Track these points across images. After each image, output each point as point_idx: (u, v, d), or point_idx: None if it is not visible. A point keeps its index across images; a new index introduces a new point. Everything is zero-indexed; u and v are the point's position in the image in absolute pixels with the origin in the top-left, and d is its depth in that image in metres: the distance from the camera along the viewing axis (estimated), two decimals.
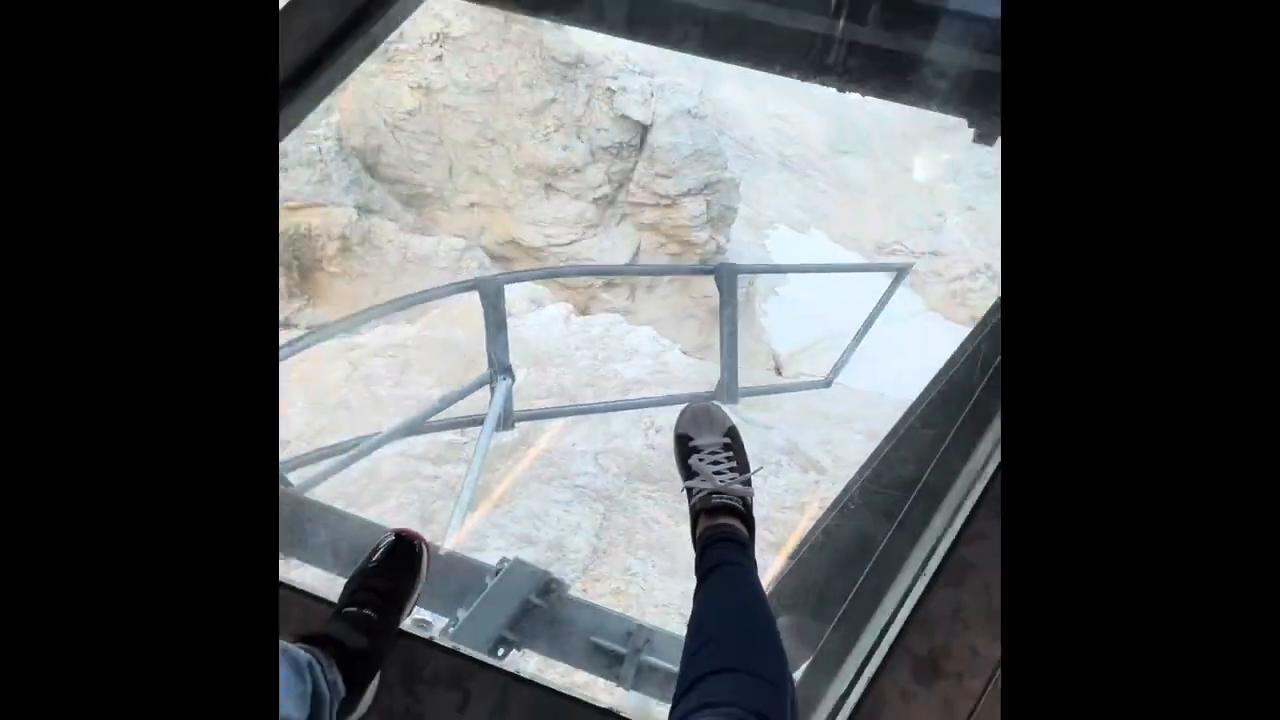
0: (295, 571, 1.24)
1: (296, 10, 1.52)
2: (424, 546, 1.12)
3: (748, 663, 0.79)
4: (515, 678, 1.08)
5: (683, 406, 1.18)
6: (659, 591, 5.81)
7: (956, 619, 1.08)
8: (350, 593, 1.05)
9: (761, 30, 1.61)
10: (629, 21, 1.68)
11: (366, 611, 1.02)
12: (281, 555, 2.18)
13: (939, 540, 1.17)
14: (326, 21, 1.56)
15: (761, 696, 0.74)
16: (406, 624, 1.12)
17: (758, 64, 1.70)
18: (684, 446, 1.14)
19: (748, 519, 1.06)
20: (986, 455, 1.25)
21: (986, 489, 1.15)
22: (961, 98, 1.64)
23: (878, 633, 1.15)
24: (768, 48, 1.62)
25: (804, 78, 1.63)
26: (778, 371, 8.03)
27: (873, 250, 8.35)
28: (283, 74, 1.43)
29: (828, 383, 5.31)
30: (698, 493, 1.07)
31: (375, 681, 1.03)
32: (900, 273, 4.95)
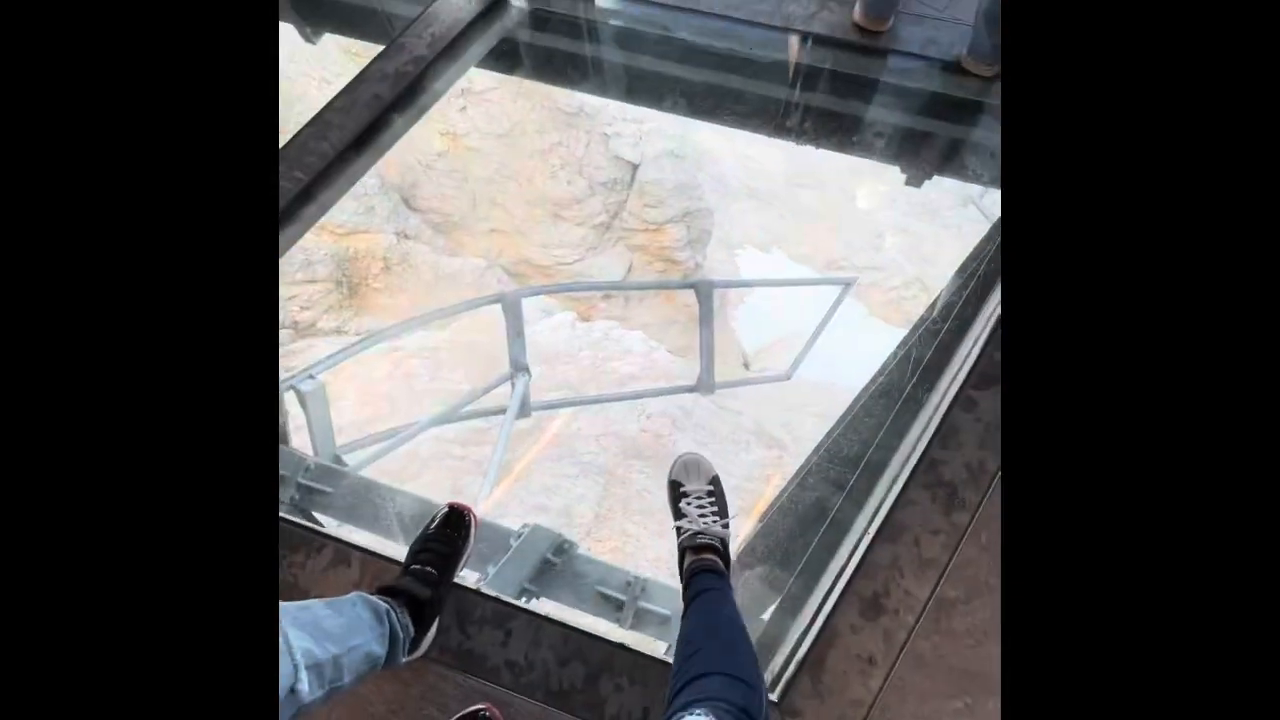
0: (370, 541, 1.27)
1: (360, 85, 1.54)
2: (472, 516, 1.16)
3: (729, 667, 0.79)
4: (546, 619, 1.12)
5: (675, 457, 1.14)
6: (650, 549, 5.84)
7: (894, 567, 1.11)
8: (415, 553, 1.08)
9: (735, 97, 1.65)
10: (628, 91, 1.71)
11: (429, 569, 1.05)
12: (342, 522, 2.21)
13: (879, 506, 1.20)
14: (385, 93, 1.58)
15: (742, 694, 0.74)
16: (458, 578, 1.15)
17: (732, 124, 1.72)
18: (675, 491, 1.11)
19: (725, 555, 1.06)
20: (917, 437, 1.28)
21: (916, 465, 1.18)
22: (894, 150, 1.69)
23: (831, 580, 1.18)
24: (740, 113, 1.66)
25: (770, 135, 1.66)
26: (746, 366, 8.07)
27: (824, 266, 8.37)
28: (350, 137, 1.46)
29: (788, 376, 5.33)
30: (684, 532, 1.06)
31: (436, 624, 1.07)
32: (847, 285, 4.99)
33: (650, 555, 5.85)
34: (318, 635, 0.80)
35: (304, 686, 0.74)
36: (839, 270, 8.24)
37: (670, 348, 7.60)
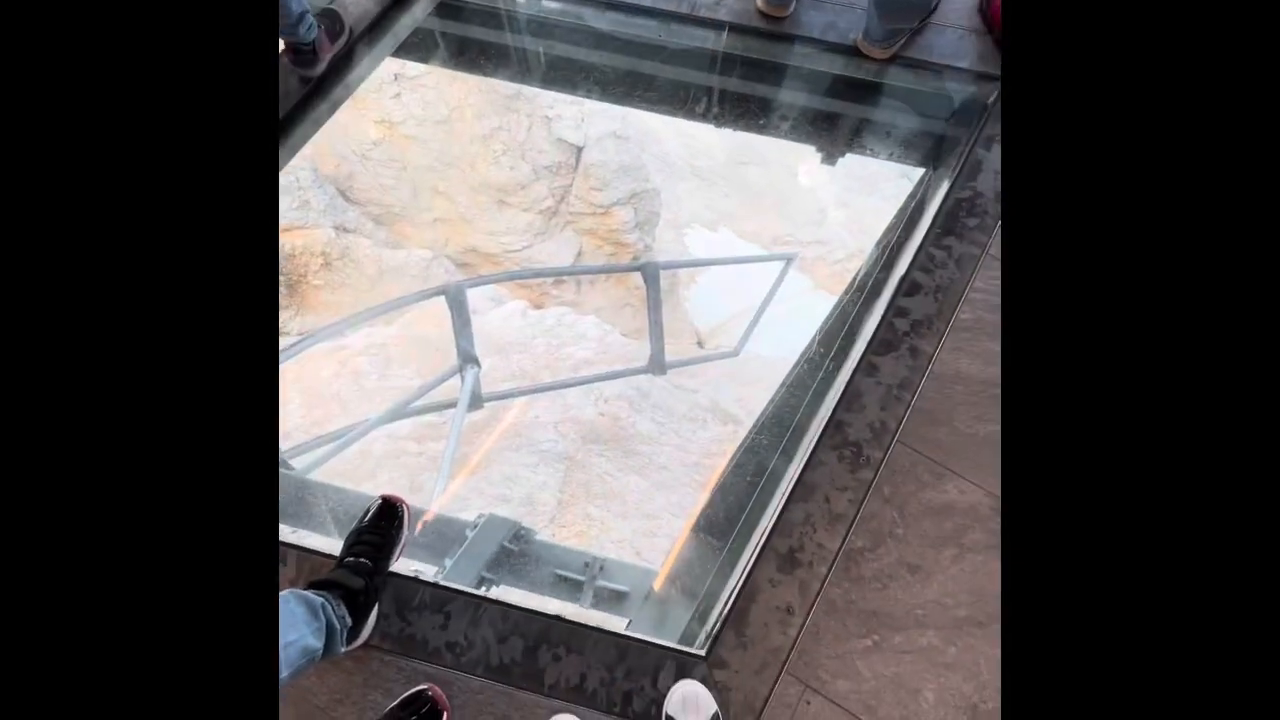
0: (306, 539, 1.29)
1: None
2: (405, 507, 1.19)
3: None
4: (484, 599, 1.17)
5: (672, 689, 1.07)
6: (614, 531, 5.93)
7: (807, 524, 1.20)
8: (349, 546, 1.11)
9: (647, 83, 1.69)
10: (542, 79, 1.73)
11: (362, 560, 1.08)
12: (289, 525, 2.20)
13: (794, 468, 1.28)
14: (294, 89, 1.56)
15: None
16: (398, 568, 1.18)
17: (644, 108, 1.75)
18: None
19: None
20: (833, 404, 1.35)
21: (824, 428, 1.27)
22: (804, 131, 1.76)
23: (754, 539, 1.26)
24: (650, 98, 1.70)
25: (683, 118, 1.71)
26: (700, 345, 8.19)
27: (770, 242, 8.52)
28: None
29: (736, 352, 5.45)
30: None
31: (374, 613, 1.10)
32: (789, 261, 5.13)
33: (615, 537, 5.94)
34: None
35: None
36: (784, 246, 8.40)
37: (624, 331, 7.65)
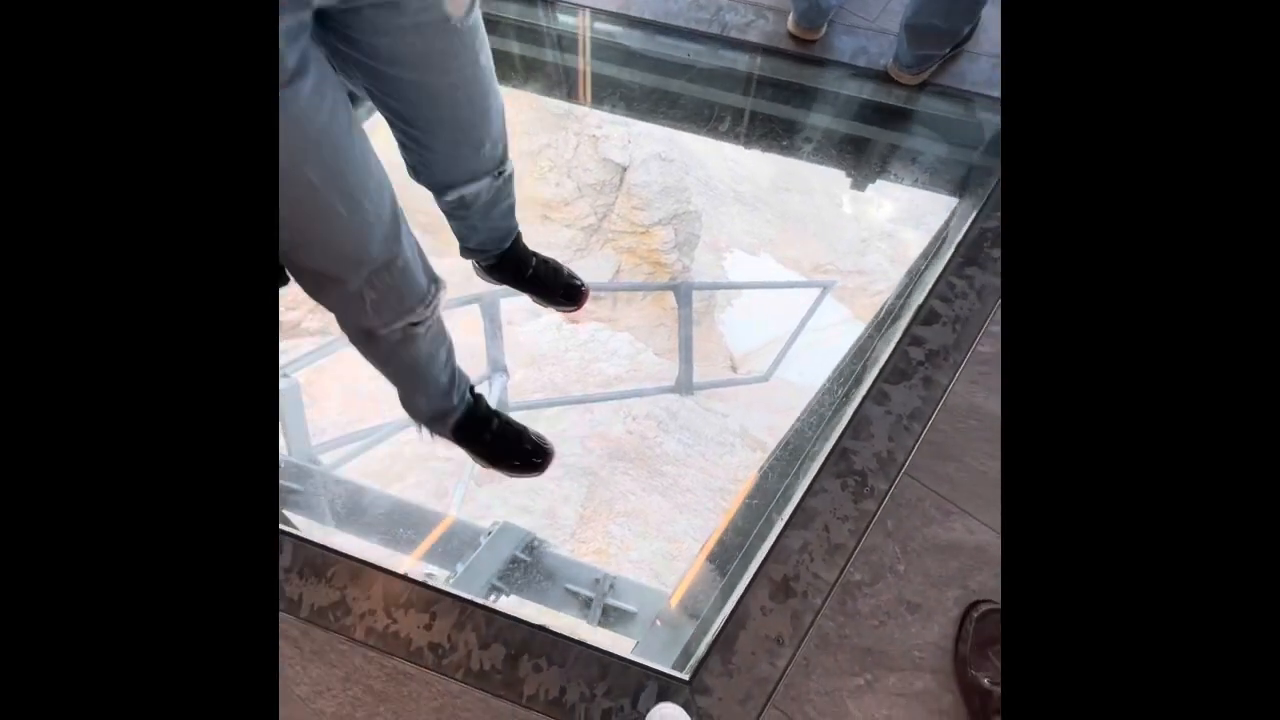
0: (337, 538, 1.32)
1: None
2: None
3: None
4: (470, 602, 1.17)
5: (652, 710, 1.01)
6: (634, 550, 5.87)
7: (804, 551, 1.16)
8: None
9: (672, 101, 1.71)
10: (569, 93, 1.76)
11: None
12: (312, 521, 2.25)
13: (793, 494, 1.24)
14: None
15: None
16: (385, 564, 1.20)
17: (669, 125, 1.77)
18: None
19: None
20: (839, 431, 1.32)
21: (829, 454, 1.24)
22: (834, 155, 1.74)
23: (748, 565, 1.23)
24: (675, 115, 1.71)
25: (709, 136, 1.72)
26: (733, 369, 8.12)
27: (810, 270, 8.43)
28: None
29: (767, 377, 5.39)
30: None
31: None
32: (825, 288, 5.07)
33: (634, 557, 5.88)
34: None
35: None
36: (825, 274, 8.31)
37: (657, 350, 7.65)
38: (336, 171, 0.72)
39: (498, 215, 1.21)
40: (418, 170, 1.03)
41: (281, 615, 1.13)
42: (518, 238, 1.34)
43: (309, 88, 0.65)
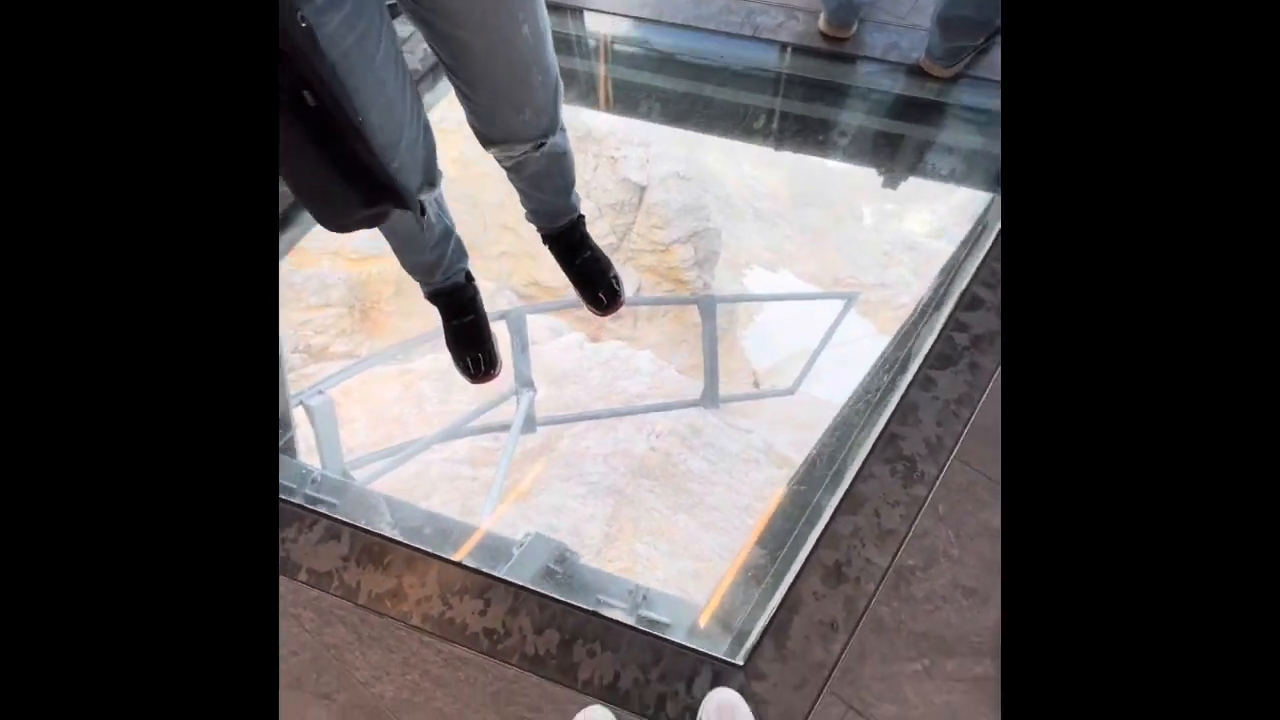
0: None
1: None
2: None
3: None
4: (522, 588, 1.18)
5: (708, 696, 1.03)
6: (661, 570, 5.81)
7: (855, 537, 1.17)
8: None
9: (706, 103, 1.76)
10: (603, 100, 1.82)
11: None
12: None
13: (842, 479, 1.25)
14: None
15: None
16: (440, 552, 1.22)
17: (701, 129, 1.81)
18: None
19: None
20: (886, 417, 1.31)
21: (877, 440, 1.24)
22: (866, 152, 1.77)
23: (798, 551, 1.23)
24: (709, 115, 1.76)
25: (741, 139, 1.76)
26: (756, 385, 8.08)
27: (832, 284, 8.42)
28: None
29: (792, 391, 5.37)
30: None
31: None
32: (849, 300, 5.06)
33: (660, 575, 5.82)
34: None
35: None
36: (847, 288, 8.28)
37: (679, 367, 7.65)
38: (352, 89, 0.80)
39: (549, 190, 1.27)
40: (468, 117, 1.07)
41: (339, 602, 1.15)
42: (575, 223, 1.40)
43: (338, 20, 0.75)
